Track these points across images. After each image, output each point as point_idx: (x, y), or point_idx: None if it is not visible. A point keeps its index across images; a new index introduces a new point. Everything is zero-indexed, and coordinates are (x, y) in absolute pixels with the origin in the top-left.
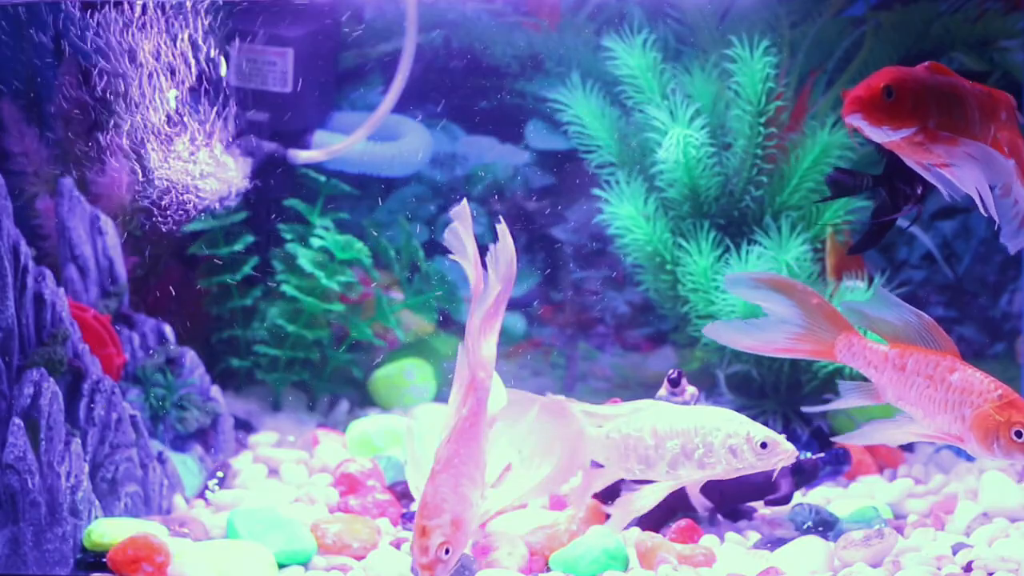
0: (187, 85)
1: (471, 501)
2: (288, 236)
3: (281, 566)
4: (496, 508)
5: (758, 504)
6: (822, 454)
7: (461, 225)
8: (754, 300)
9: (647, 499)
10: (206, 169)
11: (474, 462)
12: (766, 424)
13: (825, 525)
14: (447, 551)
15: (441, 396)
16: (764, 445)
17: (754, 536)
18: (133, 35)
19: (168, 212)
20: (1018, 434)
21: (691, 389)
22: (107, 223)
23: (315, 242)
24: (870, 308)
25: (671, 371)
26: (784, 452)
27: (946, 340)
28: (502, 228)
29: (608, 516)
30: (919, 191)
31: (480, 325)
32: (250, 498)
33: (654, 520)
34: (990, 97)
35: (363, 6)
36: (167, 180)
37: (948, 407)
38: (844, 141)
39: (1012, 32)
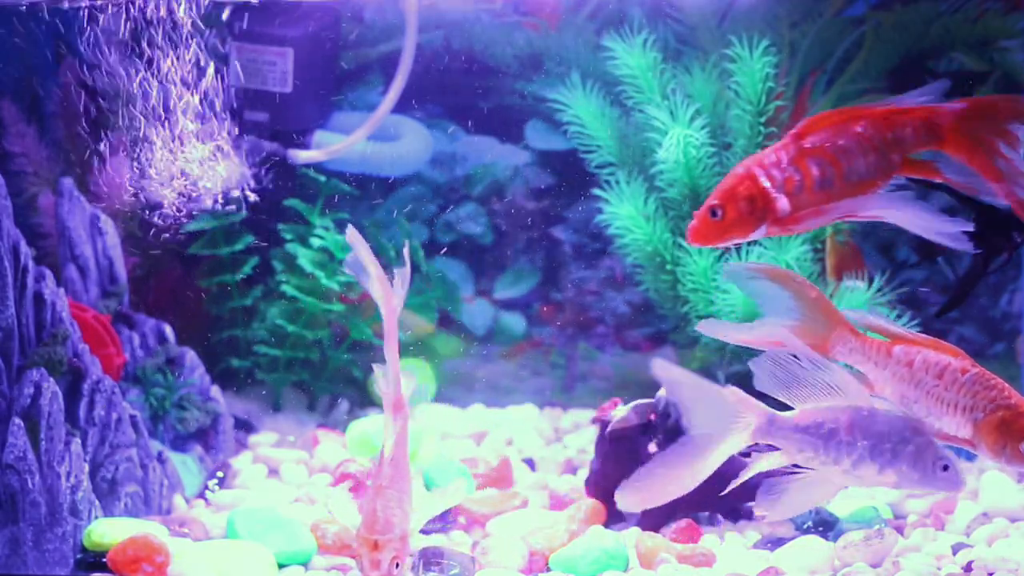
0: (188, 85)
1: (410, 517)
2: (288, 236)
3: (281, 566)
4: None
5: None
6: None
7: (356, 250)
8: (751, 292)
9: (810, 497)
10: (207, 169)
11: (408, 479)
12: None
13: (825, 525)
14: (397, 565)
15: (441, 396)
16: (945, 468)
17: (754, 536)
18: (134, 35)
19: (168, 212)
20: None
21: None
22: (107, 223)
23: (315, 242)
24: (872, 315)
25: None
26: (958, 483)
27: (952, 348)
28: (407, 250)
29: (608, 517)
30: (1018, 239)
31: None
32: (250, 498)
33: (654, 520)
34: (890, 123)
35: (363, 6)
36: (168, 180)
37: (958, 409)
38: None
39: (1012, 32)
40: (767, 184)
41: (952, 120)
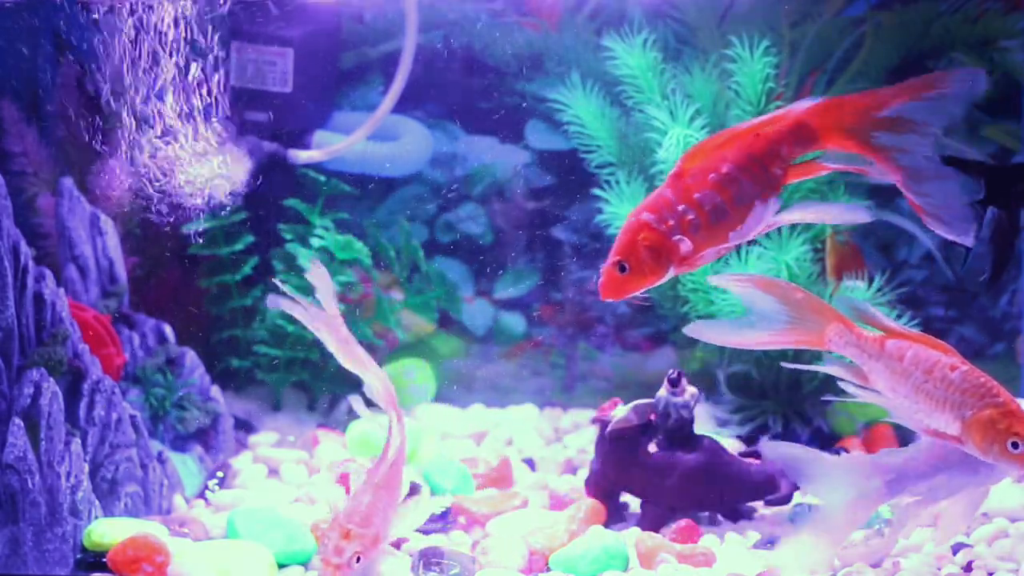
0: (188, 85)
1: (390, 525)
2: (288, 236)
3: (281, 566)
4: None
5: (758, 504)
6: None
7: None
8: (741, 299)
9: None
10: (207, 169)
11: (399, 490)
12: (766, 425)
13: None
14: (358, 559)
15: (441, 396)
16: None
17: (754, 536)
18: (134, 35)
19: (168, 212)
20: (1015, 445)
21: (691, 389)
22: (107, 223)
23: (315, 242)
24: (866, 306)
25: (671, 371)
26: None
27: (943, 345)
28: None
29: (608, 517)
30: None
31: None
32: (250, 498)
33: (654, 520)
34: (763, 139)
35: (363, 6)
36: (168, 180)
37: (947, 405)
38: None
39: (1012, 32)
40: (663, 229)
41: (821, 117)
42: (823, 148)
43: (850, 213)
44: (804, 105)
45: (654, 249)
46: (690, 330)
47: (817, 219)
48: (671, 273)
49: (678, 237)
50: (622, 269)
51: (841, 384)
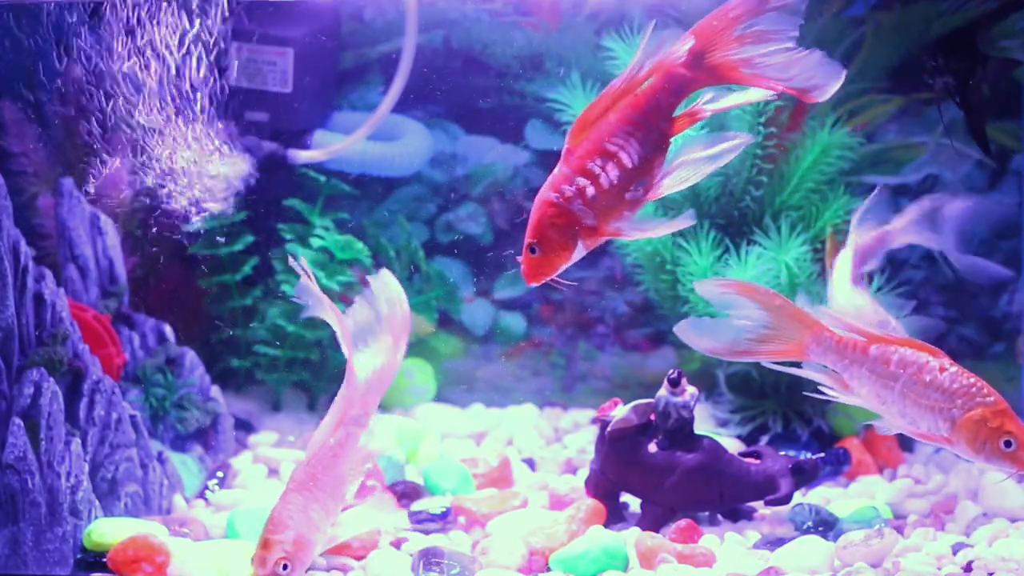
0: (187, 85)
1: (318, 525)
2: (288, 236)
3: None
4: (345, 535)
5: (758, 504)
6: (822, 454)
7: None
8: (724, 306)
9: None
10: (207, 169)
11: (330, 491)
12: (766, 425)
13: (825, 525)
14: (285, 567)
15: (441, 396)
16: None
17: (754, 536)
18: (134, 35)
19: (168, 212)
20: (1007, 444)
21: (691, 389)
22: (107, 223)
23: (315, 242)
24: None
25: (671, 371)
26: None
27: (929, 347)
28: (381, 276)
29: (608, 517)
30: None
31: (353, 363)
32: (250, 498)
33: (654, 520)
34: (641, 97)
35: (363, 6)
36: (168, 180)
37: (936, 407)
38: (844, 141)
39: (1012, 32)
40: (563, 203)
41: (687, 60)
42: (699, 89)
43: (730, 142)
44: (671, 56)
45: (558, 225)
46: (678, 329)
47: (705, 160)
48: (582, 247)
49: (580, 209)
50: (533, 251)
51: (821, 387)
